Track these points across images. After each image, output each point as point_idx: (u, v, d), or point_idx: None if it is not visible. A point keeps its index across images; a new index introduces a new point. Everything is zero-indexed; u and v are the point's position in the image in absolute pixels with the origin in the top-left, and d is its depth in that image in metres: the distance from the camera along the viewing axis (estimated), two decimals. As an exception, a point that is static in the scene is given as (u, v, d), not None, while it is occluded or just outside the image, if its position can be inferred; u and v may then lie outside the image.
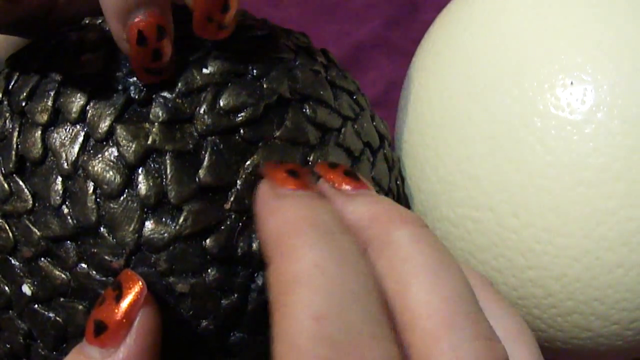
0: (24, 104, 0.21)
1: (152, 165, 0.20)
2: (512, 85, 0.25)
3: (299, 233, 0.16)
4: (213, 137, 0.20)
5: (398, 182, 0.26)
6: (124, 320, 0.18)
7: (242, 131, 0.20)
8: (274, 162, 0.19)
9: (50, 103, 0.20)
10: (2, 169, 0.20)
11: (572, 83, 0.24)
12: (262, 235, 0.17)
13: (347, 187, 0.18)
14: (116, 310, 0.18)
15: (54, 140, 0.20)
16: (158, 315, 0.19)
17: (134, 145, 0.19)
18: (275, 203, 0.17)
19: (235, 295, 0.20)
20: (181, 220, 0.19)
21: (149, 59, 0.20)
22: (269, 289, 0.16)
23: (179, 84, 0.20)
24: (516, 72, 0.25)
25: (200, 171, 0.20)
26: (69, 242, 0.19)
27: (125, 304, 0.18)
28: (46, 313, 0.20)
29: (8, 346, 0.21)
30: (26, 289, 0.20)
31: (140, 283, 0.18)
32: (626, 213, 0.24)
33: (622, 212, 0.24)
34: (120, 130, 0.20)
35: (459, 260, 0.23)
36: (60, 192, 0.20)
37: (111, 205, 0.19)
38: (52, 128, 0.20)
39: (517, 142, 0.24)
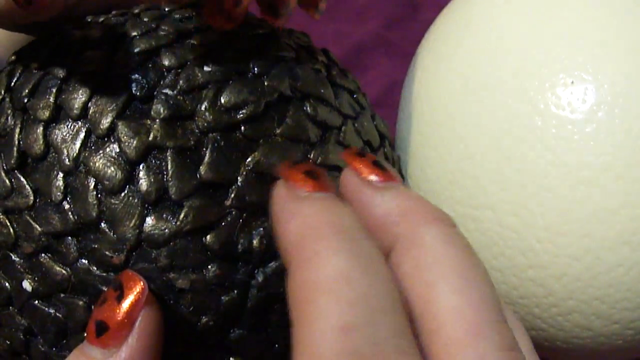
0: (25, 100, 0.21)
1: (153, 161, 0.20)
2: (512, 84, 0.25)
3: (321, 238, 0.15)
4: (214, 133, 0.20)
5: None
6: (126, 321, 0.18)
7: (243, 128, 0.20)
8: (290, 163, 0.18)
9: (52, 100, 0.20)
10: (4, 165, 0.20)
11: (572, 82, 0.24)
12: (281, 239, 0.16)
13: (374, 178, 0.17)
14: (118, 311, 0.18)
15: (55, 137, 0.20)
16: (160, 315, 0.19)
17: (135, 142, 0.20)
18: (294, 205, 0.16)
19: (236, 292, 0.20)
20: (182, 216, 0.19)
21: (232, 1, 0.19)
22: (288, 295, 0.15)
23: (180, 81, 0.20)
24: (517, 72, 0.25)
25: (201, 168, 0.20)
26: (69, 237, 0.20)
27: (126, 304, 0.18)
28: (46, 309, 0.20)
29: (8, 342, 0.21)
30: (27, 285, 0.20)
31: (142, 283, 0.18)
32: (627, 212, 0.24)
33: (622, 211, 0.24)
34: (121, 127, 0.20)
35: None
36: (62, 188, 0.20)
37: (112, 201, 0.19)
38: (54, 124, 0.20)
39: (518, 141, 0.24)
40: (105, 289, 0.19)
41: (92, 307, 0.19)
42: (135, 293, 0.18)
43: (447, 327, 0.15)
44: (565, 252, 0.24)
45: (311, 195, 0.16)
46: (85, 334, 0.18)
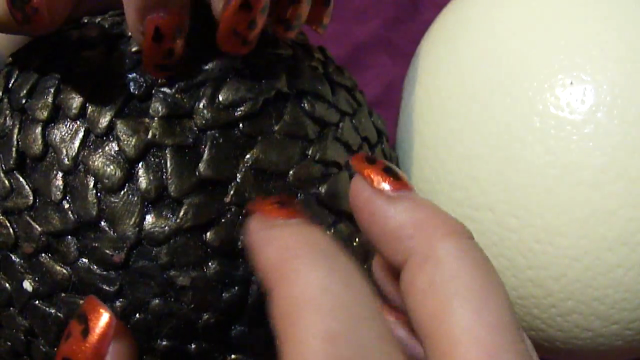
0: (24, 101, 0.21)
1: (152, 159, 0.20)
2: (511, 85, 0.25)
3: (299, 257, 0.15)
4: (212, 131, 0.20)
5: None
6: (94, 357, 0.17)
7: (241, 125, 0.20)
8: (260, 197, 0.18)
9: (50, 100, 0.20)
10: (3, 165, 0.20)
11: (571, 83, 0.24)
12: (259, 266, 0.16)
13: (386, 187, 0.17)
14: (84, 347, 0.17)
15: (54, 136, 0.20)
16: (131, 342, 0.18)
17: (134, 140, 0.20)
18: (269, 233, 0.16)
19: (236, 289, 0.20)
20: (181, 213, 0.19)
21: (161, 56, 0.20)
22: (272, 317, 0.15)
23: (178, 80, 0.20)
24: (516, 72, 0.25)
25: (200, 165, 0.20)
26: (69, 237, 0.20)
27: (93, 339, 0.17)
28: (47, 309, 0.20)
29: (9, 343, 0.21)
30: (27, 285, 0.20)
31: (107, 314, 0.17)
32: (626, 213, 0.24)
33: (621, 212, 0.24)
34: (120, 126, 0.20)
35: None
36: (61, 187, 0.20)
37: (112, 199, 0.19)
38: (53, 124, 0.20)
39: (517, 142, 0.24)
40: (106, 288, 0.19)
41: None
42: (101, 326, 0.17)
43: (460, 349, 0.14)
44: (564, 253, 0.24)
45: (285, 222, 0.16)
46: None
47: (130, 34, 0.21)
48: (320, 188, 0.21)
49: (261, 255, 0.16)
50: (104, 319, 0.17)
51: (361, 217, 0.17)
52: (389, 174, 0.17)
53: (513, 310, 0.15)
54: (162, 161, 0.20)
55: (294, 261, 0.15)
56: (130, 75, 0.20)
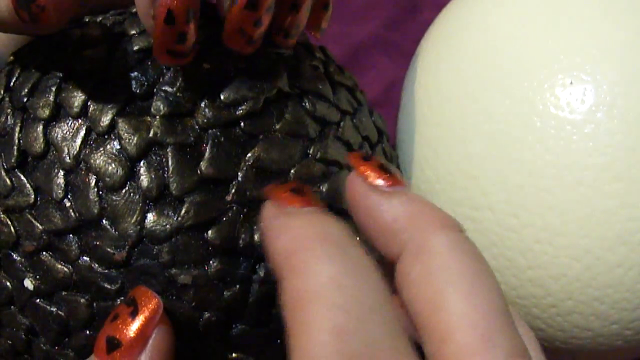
0: (25, 99, 0.21)
1: (154, 158, 0.20)
2: (511, 85, 0.25)
3: (311, 248, 0.15)
4: (214, 130, 0.20)
5: None
6: (139, 338, 0.17)
7: (242, 124, 0.20)
8: (275, 184, 0.18)
9: (51, 98, 0.20)
10: (4, 164, 0.20)
11: (571, 83, 0.24)
12: (272, 255, 0.16)
13: (381, 183, 0.17)
14: (131, 327, 0.17)
15: (55, 135, 0.20)
16: (172, 334, 0.18)
17: (135, 139, 0.20)
18: (283, 221, 0.16)
19: (237, 287, 0.20)
20: (183, 212, 0.19)
21: (174, 40, 0.19)
22: (282, 307, 0.15)
23: (180, 79, 0.20)
24: (516, 72, 0.25)
25: (201, 163, 0.20)
26: (71, 235, 0.20)
27: (140, 320, 0.18)
28: (48, 307, 0.20)
29: (9, 342, 0.21)
30: (28, 284, 0.20)
31: (157, 300, 0.18)
32: (626, 213, 0.24)
33: (621, 212, 0.24)
34: (121, 124, 0.20)
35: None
36: (63, 185, 0.20)
37: (113, 197, 0.19)
38: (54, 123, 0.20)
39: (517, 142, 0.25)
40: (107, 286, 0.19)
41: (94, 304, 0.19)
42: (150, 310, 0.18)
43: (457, 335, 0.15)
44: (564, 253, 0.24)
45: (298, 210, 0.16)
46: (94, 350, 0.18)
47: (136, 34, 0.21)
48: (321, 187, 0.21)
49: (273, 245, 0.16)
50: (153, 302, 0.18)
51: (357, 212, 0.18)
52: (384, 170, 0.18)
53: (503, 296, 0.16)
54: (164, 160, 0.20)
55: (305, 253, 0.15)
56: (132, 74, 0.20)
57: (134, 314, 0.18)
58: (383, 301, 0.15)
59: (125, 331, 0.17)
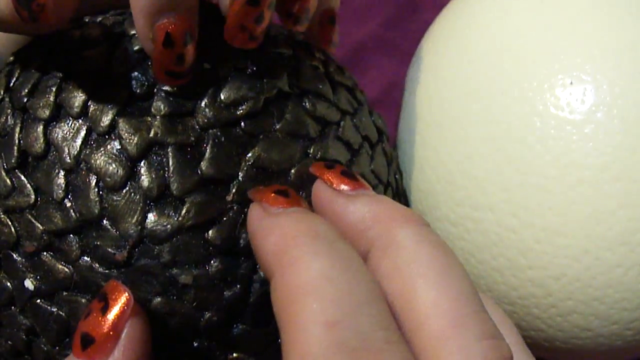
0: (25, 100, 0.21)
1: (154, 158, 0.20)
2: (511, 85, 0.25)
3: (299, 245, 0.16)
4: (214, 129, 0.20)
5: (397, 176, 0.26)
6: (111, 333, 0.18)
7: (242, 124, 0.20)
8: (260, 186, 0.19)
9: (52, 98, 0.20)
10: (4, 164, 0.20)
11: (571, 83, 0.24)
12: (261, 254, 0.17)
13: (345, 187, 0.18)
14: (102, 323, 0.18)
15: (56, 135, 0.20)
16: (147, 325, 0.18)
17: (136, 139, 0.20)
18: (270, 222, 0.17)
19: (238, 287, 0.20)
20: (183, 212, 0.19)
21: (172, 62, 0.19)
22: (273, 305, 0.16)
23: None
24: (516, 72, 0.25)
25: (202, 163, 0.20)
26: (71, 235, 0.20)
27: (111, 315, 0.18)
28: (49, 308, 0.20)
29: (10, 343, 0.21)
30: (29, 284, 0.20)
31: (127, 294, 0.18)
32: (626, 213, 0.24)
33: (621, 212, 0.24)
34: (122, 124, 0.20)
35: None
36: (63, 185, 0.20)
37: (114, 197, 0.19)
38: (54, 123, 0.20)
39: (517, 142, 0.25)
40: None
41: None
42: (120, 304, 0.18)
43: (429, 322, 0.15)
44: (564, 253, 0.24)
45: (285, 210, 0.17)
46: (72, 348, 0.18)
47: (136, 35, 0.21)
48: None
49: (262, 244, 0.17)
50: (123, 297, 0.18)
51: (325, 217, 0.18)
52: (347, 176, 0.19)
53: (471, 282, 0.16)
54: (164, 159, 0.20)
55: (294, 249, 0.16)
56: (132, 74, 0.20)
57: (105, 310, 0.18)
58: (373, 293, 0.15)
59: (97, 327, 0.18)
